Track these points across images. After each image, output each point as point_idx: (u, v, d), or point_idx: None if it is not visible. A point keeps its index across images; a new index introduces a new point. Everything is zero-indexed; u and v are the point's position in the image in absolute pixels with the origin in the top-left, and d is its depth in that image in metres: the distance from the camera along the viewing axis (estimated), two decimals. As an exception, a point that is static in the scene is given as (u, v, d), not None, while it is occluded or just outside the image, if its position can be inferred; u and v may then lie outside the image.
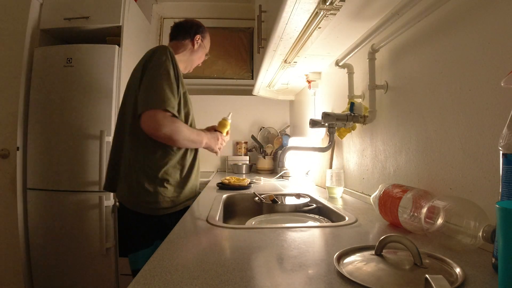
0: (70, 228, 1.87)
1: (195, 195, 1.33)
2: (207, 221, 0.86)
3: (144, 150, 1.18)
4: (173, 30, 1.42)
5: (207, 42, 1.47)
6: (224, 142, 1.43)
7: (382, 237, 0.54)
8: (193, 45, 1.40)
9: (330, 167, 1.49)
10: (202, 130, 1.36)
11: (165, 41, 2.73)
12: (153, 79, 1.13)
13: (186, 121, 1.25)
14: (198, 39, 1.41)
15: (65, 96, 1.89)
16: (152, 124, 1.10)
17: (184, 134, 1.17)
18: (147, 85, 1.13)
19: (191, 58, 1.42)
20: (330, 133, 1.35)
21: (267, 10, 1.42)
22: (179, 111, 1.19)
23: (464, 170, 0.70)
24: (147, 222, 1.17)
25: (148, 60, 1.17)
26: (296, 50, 1.34)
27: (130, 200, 1.18)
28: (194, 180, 1.32)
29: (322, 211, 1.13)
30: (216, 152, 1.39)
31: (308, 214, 1.05)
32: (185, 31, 1.40)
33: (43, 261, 1.89)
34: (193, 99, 2.72)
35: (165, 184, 1.18)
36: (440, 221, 0.60)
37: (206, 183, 1.96)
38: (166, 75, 1.14)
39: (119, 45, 1.94)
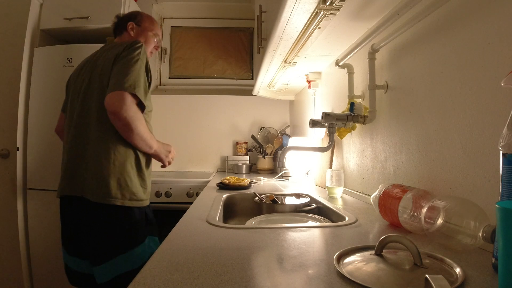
0: (70, 228, 1.87)
1: None
2: (207, 221, 0.86)
3: (127, 142, 1.14)
4: (113, 29, 1.40)
5: (147, 24, 1.39)
6: (174, 157, 1.37)
7: (382, 237, 0.54)
8: (130, 34, 1.35)
9: (330, 167, 1.50)
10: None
11: (166, 41, 2.74)
12: (127, 65, 1.11)
13: (147, 117, 1.23)
14: (131, 26, 1.35)
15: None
16: (118, 103, 1.05)
17: (140, 129, 1.11)
18: (119, 70, 1.10)
19: None
20: (330, 133, 1.35)
21: (267, 10, 1.42)
22: (146, 105, 1.18)
23: (464, 170, 0.70)
24: (136, 216, 1.14)
25: (123, 50, 1.16)
26: (296, 50, 1.34)
27: (118, 194, 1.11)
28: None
29: (322, 211, 1.13)
30: (164, 165, 1.34)
31: (308, 214, 1.06)
32: (119, 26, 1.38)
33: (43, 261, 1.89)
34: (193, 99, 2.76)
35: (144, 175, 1.20)
36: (440, 221, 0.60)
37: (206, 183, 1.96)
38: (138, 66, 1.13)
39: (119, 45, 1.93)
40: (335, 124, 1.27)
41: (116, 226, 1.11)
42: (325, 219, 1.00)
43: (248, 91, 2.51)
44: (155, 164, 1.34)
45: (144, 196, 1.18)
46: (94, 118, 1.14)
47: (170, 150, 1.33)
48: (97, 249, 1.11)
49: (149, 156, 1.25)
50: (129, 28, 1.35)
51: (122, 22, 1.37)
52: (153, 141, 1.20)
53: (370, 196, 0.93)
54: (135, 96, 1.09)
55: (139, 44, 1.18)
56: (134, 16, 1.39)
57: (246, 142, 2.66)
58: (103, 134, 1.13)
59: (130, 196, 1.13)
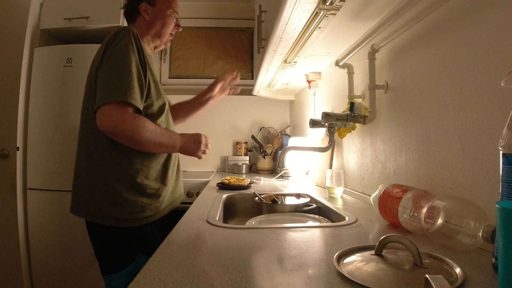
0: (70, 228, 1.87)
1: (178, 198, 1.19)
2: (207, 221, 0.86)
3: (118, 153, 0.99)
4: (125, 16, 1.22)
5: (162, 3, 1.19)
6: (209, 145, 1.17)
7: (382, 237, 0.54)
8: (144, 17, 1.16)
9: (330, 167, 1.49)
10: (176, 133, 1.11)
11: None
12: (112, 67, 0.96)
13: (159, 115, 1.08)
14: (145, 7, 1.16)
15: (65, 96, 1.89)
16: (108, 121, 0.91)
17: (147, 136, 0.97)
18: (104, 76, 0.96)
19: (152, 32, 1.18)
20: (330, 133, 1.35)
21: (267, 10, 1.42)
22: (150, 104, 1.04)
23: (464, 170, 0.70)
24: (127, 236, 1.01)
25: (105, 48, 1.00)
26: (296, 50, 1.34)
27: (105, 214, 0.99)
28: (175, 183, 1.17)
29: (322, 211, 1.13)
30: (198, 157, 1.15)
31: (308, 214, 1.05)
32: (131, 10, 1.18)
33: (43, 261, 1.89)
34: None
35: (146, 190, 1.02)
36: (440, 221, 0.60)
37: (206, 183, 1.96)
38: (127, 62, 0.95)
39: (119, 45, 1.93)
40: (335, 124, 1.27)
41: (99, 245, 1.03)
42: (325, 219, 0.99)
43: (248, 91, 2.51)
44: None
45: (142, 214, 1.01)
46: (84, 131, 1.04)
47: (200, 140, 1.12)
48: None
49: (160, 166, 1.08)
50: (142, 10, 1.16)
51: (133, 4, 1.18)
52: (173, 139, 1.05)
53: (370, 196, 0.93)
54: (127, 103, 0.93)
55: (124, 32, 1.00)
56: None
57: (246, 142, 2.66)
58: (88, 148, 1.02)
59: (120, 215, 0.99)
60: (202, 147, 1.13)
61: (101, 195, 0.99)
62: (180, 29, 1.27)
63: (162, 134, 1.02)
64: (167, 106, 1.14)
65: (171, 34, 1.23)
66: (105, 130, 0.93)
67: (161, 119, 1.08)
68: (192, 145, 1.11)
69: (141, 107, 0.97)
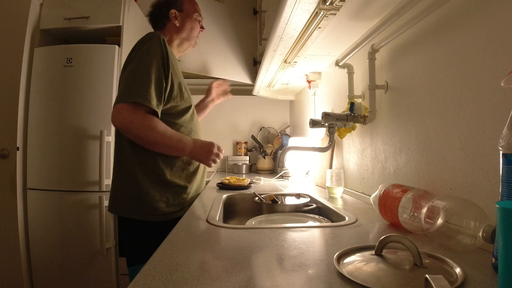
0: (70, 228, 1.87)
1: (198, 194, 1.27)
2: (207, 221, 0.86)
3: (145, 151, 1.06)
4: (151, 22, 1.28)
5: (189, 5, 1.27)
6: (221, 154, 1.20)
7: (382, 237, 0.54)
8: (174, 23, 1.23)
9: (330, 167, 1.49)
10: (188, 137, 1.14)
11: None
12: (132, 70, 1.02)
13: (180, 115, 1.15)
14: (174, 14, 1.23)
15: (65, 96, 1.89)
16: (118, 118, 0.98)
17: (155, 137, 1.02)
18: (125, 77, 1.04)
19: (182, 36, 1.26)
20: (330, 133, 1.35)
21: (267, 10, 1.42)
22: (174, 105, 1.11)
23: (464, 170, 0.70)
24: (151, 230, 1.06)
25: (133, 50, 1.07)
26: (296, 50, 1.34)
27: (131, 208, 1.07)
28: (200, 181, 1.26)
29: (322, 211, 1.13)
30: (207, 165, 1.20)
31: (308, 214, 1.05)
32: (160, 17, 1.24)
33: (43, 261, 1.89)
34: (193, 99, 2.73)
35: (170, 187, 1.10)
36: (440, 221, 0.60)
37: (206, 183, 1.96)
38: (147, 65, 1.02)
39: (119, 45, 1.93)
40: (335, 124, 1.27)
41: (126, 238, 1.11)
42: (325, 219, 0.99)
43: (248, 91, 2.51)
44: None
45: (167, 209, 1.08)
46: (117, 132, 1.11)
47: (211, 149, 1.16)
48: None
49: (184, 163, 1.15)
50: (172, 17, 1.22)
51: (161, 11, 1.22)
52: (182, 144, 1.09)
53: (370, 196, 0.93)
54: (140, 104, 0.99)
55: (149, 37, 1.06)
56: (173, 1, 1.23)
57: (246, 142, 2.66)
58: (116, 147, 1.12)
59: (145, 210, 1.05)
60: (212, 157, 1.16)
61: (127, 191, 1.08)
62: (204, 30, 1.36)
63: (171, 137, 1.06)
64: (192, 109, 1.21)
65: (197, 36, 1.33)
66: (116, 127, 1.01)
67: (182, 120, 1.15)
68: (202, 153, 1.15)
69: (156, 108, 1.02)
